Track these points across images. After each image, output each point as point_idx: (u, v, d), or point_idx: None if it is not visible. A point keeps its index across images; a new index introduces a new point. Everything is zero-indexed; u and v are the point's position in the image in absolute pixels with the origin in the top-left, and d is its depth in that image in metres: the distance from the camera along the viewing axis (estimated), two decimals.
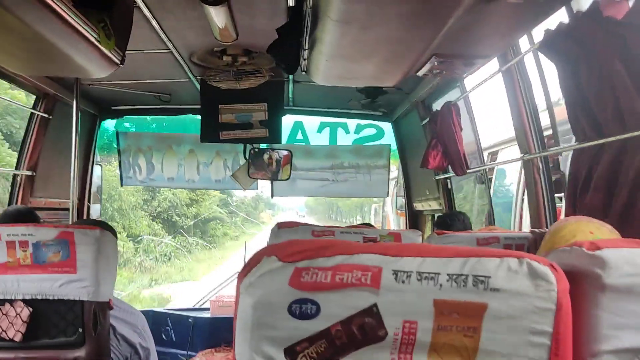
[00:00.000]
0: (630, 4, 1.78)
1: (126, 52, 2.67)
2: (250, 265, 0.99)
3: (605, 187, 2.03)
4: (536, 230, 2.23)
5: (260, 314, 0.95)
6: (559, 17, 2.26)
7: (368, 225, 3.82)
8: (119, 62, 2.63)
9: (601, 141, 2.07)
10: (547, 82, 2.71)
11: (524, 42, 2.80)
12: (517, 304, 0.96)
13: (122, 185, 5.42)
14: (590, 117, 2.10)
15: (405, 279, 0.96)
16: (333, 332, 0.94)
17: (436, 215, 4.79)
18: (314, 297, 0.94)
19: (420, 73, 2.89)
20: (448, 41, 2.38)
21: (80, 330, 1.93)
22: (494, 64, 3.04)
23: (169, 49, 3.35)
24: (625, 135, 1.91)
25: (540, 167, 2.78)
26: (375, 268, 0.96)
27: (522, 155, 2.88)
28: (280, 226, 2.19)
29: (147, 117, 5.16)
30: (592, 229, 1.44)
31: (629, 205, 1.88)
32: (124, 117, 5.07)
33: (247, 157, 4.86)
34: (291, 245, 1.02)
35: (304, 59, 2.62)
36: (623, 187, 1.90)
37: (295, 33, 2.37)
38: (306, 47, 2.43)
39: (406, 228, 5.54)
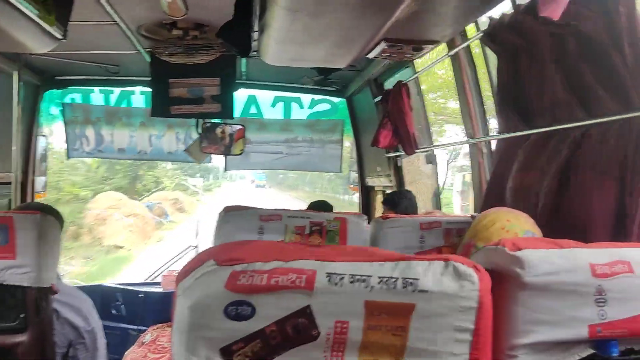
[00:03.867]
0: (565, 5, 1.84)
1: (70, 23, 2.58)
2: (188, 269, 1.01)
3: (527, 174, 2.15)
4: (476, 214, 2.33)
5: (197, 316, 0.97)
6: (505, 7, 2.32)
7: (323, 203, 3.88)
8: (61, 37, 2.54)
9: (547, 129, 2.15)
10: (491, 69, 2.79)
11: (472, 29, 2.86)
12: (443, 303, 1.02)
13: (68, 158, 5.27)
14: (522, 107, 2.19)
15: (338, 281, 1.00)
16: (268, 332, 0.98)
17: (387, 191, 4.90)
18: (250, 299, 0.98)
19: (370, 55, 2.92)
20: (398, 27, 2.41)
21: (22, 315, 1.91)
22: (443, 47, 3.09)
23: (115, 21, 3.24)
24: (558, 127, 2.00)
25: (484, 152, 2.87)
26: (309, 271, 1.00)
27: (467, 138, 2.96)
28: (227, 210, 2.20)
29: (94, 88, 5.00)
30: (509, 218, 1.56)
31: (553, 192, 1.99)
32: (69, 87, 4.89)
33: (199, 131, 4.80)
34: (229, 250, 1.05)
35: (254, 40, 2.59)
36: (547, 175, 2.00)
37: (245, 16, 2.34)
38: (256, 30, 2.41)
39: (359, 203, 5.64)
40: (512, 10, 2.19)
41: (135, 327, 4.35)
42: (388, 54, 2.88)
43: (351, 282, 1.00)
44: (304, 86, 5.16)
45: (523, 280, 1.09)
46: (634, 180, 1.68)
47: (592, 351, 1.12)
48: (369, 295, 1.00)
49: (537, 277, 1.09)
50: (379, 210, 5.24)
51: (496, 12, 2.28)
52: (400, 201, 3.47)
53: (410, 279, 1.01)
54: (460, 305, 1.02)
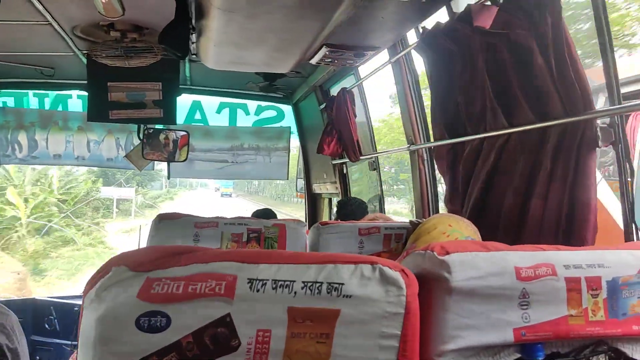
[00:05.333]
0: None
1: None
2: (97, 277, 0.94)
3: (466, 176, 2.19)
4: (414, 220, 2.34)
5: (105, 329, 0.91)
6: (441, 16, 2.36)
7: (268, 211, 3.83)
8: None
9: (477, 136, 2.19)
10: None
11: (413, 36, 2.89)
12: (369, 309, 0.99)
13: None
14: (456, 114, 2.23)
15: (260, 287, 0.96)
16: (184, 344, 0.93)
17: (334, 199, 4.89)
18: (164, 309, 0.92)
19: (313, 61, 2.90)
20: (338, 32, 2.41)
21: None
22: (386, 54, 3.11)
23: (48, 21, 3.10)
24: (494, 133, 2.03)
25: (425, 158, 2.90)
26: (230, 277, 0.95)
27: (408, 145, 2.98)
28: (162, 218, 2.13)
29: (28, 91, 4.77)
30: (451, 222, 1.57)
31: (483, 193, 2.03)
32: (1, 91, 4.66)
33: (141, 137, 4.65)
34: (144, 253, 0.99)
35: (193, 43, 2.53)
36: (479, 177, 2.05)
37: (183, 18, 2.28)
38: (193, 32, 2.35)
39: (305, 210, 5.61)
40: (449, 18, 2.22)
41: (69, 342, 4.16)
42: (330, 60, 2.87)
43: (274, 288, 0.96)
44: (250, 92, 5.11)
45: (450, 284, 1.08)
46: (541, 185, 1.74)
47: (518, 355, 1.12)
48: (293, 301, 0.96)
49: (463, 282, 1.08)
50: (325, 217, 5.23)
51: (431, 21, 2.31)
52: (354, 210, 3.46)
53: (335, 283, 0.98)
54: (385, 311, 1.00)
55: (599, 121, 1.57)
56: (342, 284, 0.98)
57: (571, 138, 1.65)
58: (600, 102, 2.97)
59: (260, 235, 2.18)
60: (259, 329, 0.96)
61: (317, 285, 0.98)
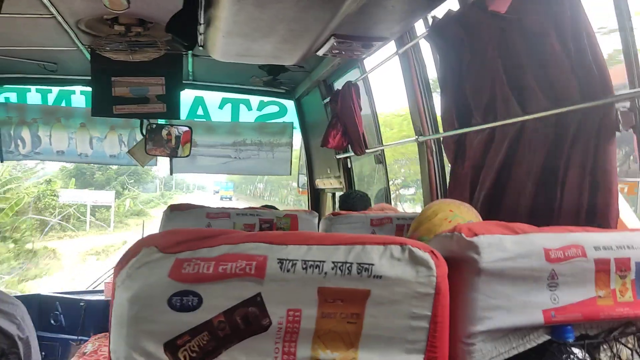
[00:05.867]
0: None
1: (1, 15, 2.42)
2: (127, 257, 0.93)
3: (476, 165, 2.19)
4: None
5: (138, 308, 0.89)
6: (452, 4, 2.35)
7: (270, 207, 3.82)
8: None
9: (487, 125, 2.18)
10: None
11: (421, 27, 2.88)
12: (399, 289, 0.98)
13: (2, 161, 4.97)
14: (465, 104, 2.22)
15: (290, 268, 0.95)
16: (215, 324, 0.91)
17: (337, 193, 4.88)
18: (196, 289, 0.91)
19: (320, 52, 2.89)
20: (346, 23, 2.40)
21: None
22: (392, 47, 3.10)
23: (52, 14, 3.08)
24: (507, 121, 2.02)
25: (434, 149, 2.89)
26: (260, 257, 0.94)
27: (416, 137, 2.97)
28: (173, 209, 2.11)
29: (31, 87, 4.74)
30: (452, 208, 1.56)
31: (497, 182, 2.02)
32: (4, 86, 4.63)
33: (144, 132, 4.64)
34: (173, 235, 0.97)
35: (200, 34, 2.51)
36: (492, 167, 2.04)
37: (192, 7, 2.26)
38: (202, 22, 2.33)
39: (308, 207, 5.59)
40: (460, 5, 2.21)
41: (75, 337, 4.14)
42: (337, 51, 2.86)
43: (304, 268, 0.95)
44: (253, 87, 5.09)
45: (479, 266, 1.07)
46: (561, 172, 1.72)
47: (548, 337, 1.11)
48: (323, 281, 0.95)
49: (492, 263, 1.07)
50: (328, 212, 5.22)
51: (441, 11, 2.30)
52: (355, 202, 3.45)
53: (365, 264, 0.97)
54: (415, 291, 0.99)
55: (618, 105, 1.56)
56: (372, 264, 0.97)
57: (590, 124, 1.64)
58: None
59: (272, 225, 2.17)
60: (290, 308, 0.95)
61: (347, 265, 0.97)
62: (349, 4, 2.06)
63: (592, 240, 1.13)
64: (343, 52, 2.86)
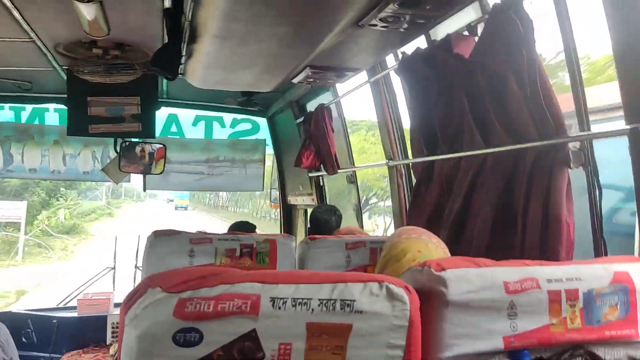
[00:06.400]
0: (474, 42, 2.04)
1: None
2: (134, 297, 1.03)
3: (442, 191, 2.34)
4: (389, 236, 2.47)
5: (146, 345, 1.00)
6: (420, 42, 2.51)
7: (245, 224, 3.89)
8: None
9: (453, 155, 2.34)
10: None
11: (392, 58, 3.04)
12: (377, 323, 1.11)
13: None
14: (432, 134, 2.38)
15: (281, 305, 1.06)
16: (215, 357, 1.02)
17: (309, 210, 4.99)
18: (197, 326, 1.02)
19: (295, 80, 3.02)
20: (322, 56, 2.53)
21: None
22: (364, 74, 3.25)
23: (31, 39, 3.12)
24: (471, 153, 2.18)
25: (403, 173, 3.05)
26: (254, 296, 1.06)
27: (387, 161, 3.12)
28: (157, 234, 2.19)
29: (4, 104, 4.73)
30: (420, 248, 1.63)
31: (462, 209, 2.18)
32: None
33: (117, 150, 4.67)
34: (175, 276, 1.08)
35: (181, 64, 2.61)
36: (459, 194, 2.19)
37: (176, 42, 2.36)
38: (184, 54, 2.43)
39: (280, 222, 5.70)
40: (427, 46, 2.37)
41: (47, 355, 4.13)
42: (312, 80, 2.99)
43: (293, 305, 1.07)
44: (227, 105, 5.18)
45: (447, 298, 1.20)
46: (518, 202, 1.88)
47: None
48: (310, 317, 1.07)
49: (459, 295, 1.21)
50: (300, 228, 5.34)
51: (411, 47, 2.45)
52: (328, 219, 3.55)
53: (347, 300, 1.09)
54: (392, 324, 1.12)
55: (570, 145, 1.73)
56: (354, 300, 1.10)
57: (545, 160, 1.81)
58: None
59: (252, 250, 2.27)
60: (281, 342, 1.06)
61: (332, 302, 1.09)
62: (326, 42, 2.20)
63: (545, 273, 1.28)
64: (317, 81, 3.00)
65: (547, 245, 1.80)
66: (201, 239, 2.21)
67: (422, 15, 1.95)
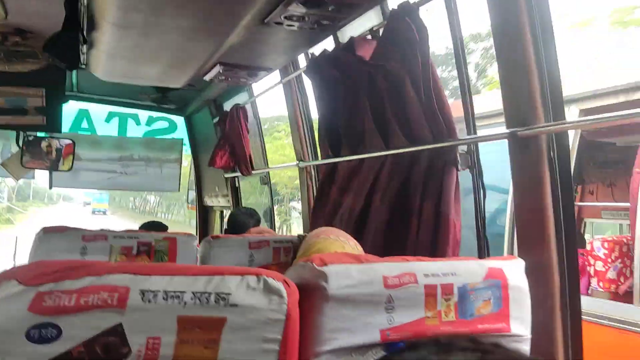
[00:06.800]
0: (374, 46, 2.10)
1: None
2: None
3: (342, 189, 2.39)
4: (302, 234, 2.48)
5: None
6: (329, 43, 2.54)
7: (157, 224, 3.78)
8: None
9: (357, 157, 2.39)
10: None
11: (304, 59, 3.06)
12: (253, 316, 1.10)
13: None
14: (337, 135, 2.42)
15: (152, 298, 1.03)
16: (75, 354, 0.97)
17: (225, 211, 4.93)
18: (56, 321, 0.96)
19: (206, 77, 2.97)
20: (232, 52, 2.51)
21: None
22: (278, 75, 3.25)
23: None
24: (372, 155, 2.23)
25: (313, 174, 3.07)
26: (122, 288, 1.02)
27: (297, 162, 3.14)
28: (46, 231, 2.08)
29: None
30: (337, 249, 1.67)
31: (364, 208, 2.22)
32: None
33: (20, 144, 4.40)
34: (37, 267, 1.02)
35: (83, 53, 2.50)
36: (360, 194, 2.24)
37: (72, 28, 2.24)
38: (84, 43, 2.32)
39: (196, 223, 5.59)
40: (334, 46, 2.40)
41: None
42: (224, 77, 2.96)
43: (164, 298, 1.04)
44: (142, 102, 5.02)
45: (327, 292, 1.21)
46: (414, 203, 1.95)
47: (384, 353, 1.28)
48: (182, 310, 1.04)
49: (339, 290, 1.22)
50: (216, 230, 5.25)
51: (320, 48, 2.48)
52: (248, 220, 3.51)
53: (223, 293, 1.08)
54: (268, 318, 1.11)
55: (459, 148, 1.81)
56: (229, 294, 1.08)
57: (437, 161, 1.88)
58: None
59: (151, 248, 2.19)
60: (149, 336, 1.03)
61: (206, 295, 1.07)
62: (232, 38, 2.18)
63: (422, 268, 1.32)
64: (229, 79, 2.97)
65: (437, 244, 1.87)
66: (95, 235, 2.11)
67: (326, 16, 1.97)
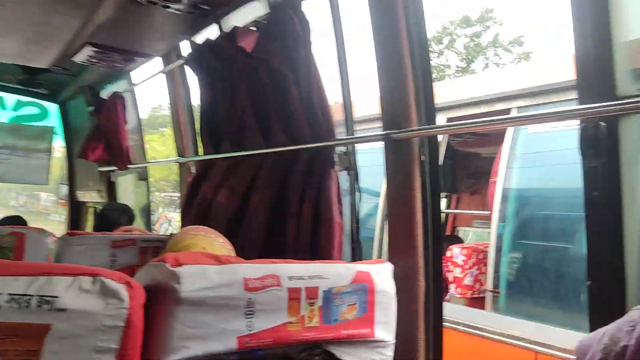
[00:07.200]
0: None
1: None
2: None
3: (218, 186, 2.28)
4: (175, 233, 2.32)
5: None
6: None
7: (17, 218, 3.40)
8: None
9: (236, 154, 2.27)
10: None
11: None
12: (84, 323, 0.95)
13: None
14: (217, 128, 2.30)
15: None
16: None
17: (98, 207, 4.58)
18: None
19: (77, 59, 2.73)
20: (104, 33, 2.31)
21: None
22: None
23: None
24: (252, 152, 2.14)
25: (192, 171, 2.90)
26: None
27: (177, 157, 2.96)
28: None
29: None
30: (205, 245, 1.55)
31: (238, 210, 2.12)
32: None
33: None
34: None
35: None
36: (236, 194, 2.14)
37: None
38: None
39: (67, 219, 5.15)
40: (218, 35, 2.27)
41: None
42: (96, 60, 2.73)
43: None
44: (7, 84, 4.53)
45: (179, 295, 1.09)
46: (294, 203, 1.88)
47: None
48: None
49: (193, 292, 1.11)
50: (89, 228, 4.87)
51: (202, 37, 2.34)
52: (119, 217, 3.26)
53: (47, 296, 0.93)
54: (103, 325, 0.97)
55: (337, 149, 1.76)
56: (56, 297, 0.93)
57: (317, 162, 1.82)
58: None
59: None
60: None
61: (27, 298, 0.91)
62: (100, 14, 1.99)
63: (287, 270, 1.24)
64: (102, 62, 2.74)
65: (319, 246, 1.79)
66: None
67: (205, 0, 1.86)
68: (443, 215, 3.81)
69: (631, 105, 1.03)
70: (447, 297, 4.14)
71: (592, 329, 0.86)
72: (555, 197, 3.30)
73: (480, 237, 5.71)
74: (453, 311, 3.46)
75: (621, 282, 1.06)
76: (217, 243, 1.64)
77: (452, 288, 4.16)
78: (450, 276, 4.18)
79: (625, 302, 1.06)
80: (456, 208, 5.68)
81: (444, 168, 5.18)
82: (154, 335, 1.08)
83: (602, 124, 1.09)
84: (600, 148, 1.09)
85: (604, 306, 1.08)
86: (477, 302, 3.96)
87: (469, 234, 5.90)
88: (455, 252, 4.19)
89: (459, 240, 5.27)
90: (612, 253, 1.08)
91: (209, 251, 1.60)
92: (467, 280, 4.12)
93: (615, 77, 1.06)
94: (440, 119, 3.71)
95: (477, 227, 5.63)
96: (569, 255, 3.11)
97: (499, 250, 3.51)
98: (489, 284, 3.55)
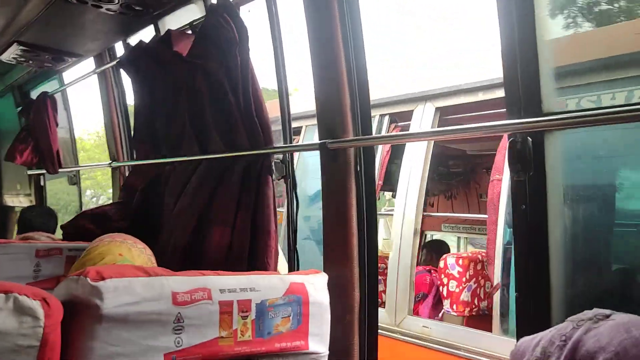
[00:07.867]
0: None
1: None
2: None
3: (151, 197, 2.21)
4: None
5: None
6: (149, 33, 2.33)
7: None
8: None
9: (172, 159, 2.20)
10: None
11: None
12: None
13: None
14: (153, 135, 2.23)
15: None
16: None
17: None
18: None
19: (3, 57, 2.59)
20: (32, 31, 2.21)
21: None
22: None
23: None
24: (189, 158, 2.08)
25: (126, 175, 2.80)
26: None
27: (110, 161, 2.84)
28: None
29: None
30: (122, 251, 1.48)
31: (173, 217, 2.06)
32: None
33: None
34: None
35: None
36: (171, 199, 2.08)
37: None
38: None
39: None
40: (152, 37, 2.20)
41: None
42: (24, 59, 2.60)
43: None
44: None
45: (100, 312, 1.04)
46: (229, 212, 1.84)
47: None
48: None
49: (116, 308, 1.05)
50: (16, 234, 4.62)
51: (137, 39, 2.26)
52: (35, 220, 3.10)
53: None
54: (17, 345, 0.91)
55: (274, 157, 1.74)
56: None
57: (254, 169, 1.78)
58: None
59: None
60: None
61: None
62: (27, 12, 1.89)
63: (219, 283, 1.20)
64: (31, 61, 2.61)
65: (255, 255, 1.75)
66: None
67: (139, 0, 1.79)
68: (420, 220, 3.29)
69: (555, 121, 1.07)
70: (439, 316, 3.62)
71: (519, 338, 0.87)
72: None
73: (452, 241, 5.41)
74: (452, 333, 2.91)
75: (546, 294, 1.09)
76: (136, 249, 1.57)
77: (446, 304, 3.52)
78: (444, 290, 3.53)
79: (550, 312, 1.09)
80: (424, 211, 4.98)
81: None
82: (73, 356, 1.02)
83: (529, 139, 1.12)
84: (527, 162, 1.12)
85: (530, 318, 1.11)
86: (477, 321, 3.38)
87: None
88: (450, 263, 3.51)
89: (447, 247, 4.70)
90: (538, 265, 1.10)
91: (126, 257, 1.53)
92: (465, 296, 3.47)
93: (541, 94, 1.09)
94: (429, 108, 3.33)
95: (446, 232, 5.31)
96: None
97: (507, 262, 2.83)
98: (496, 301, 2.89)
